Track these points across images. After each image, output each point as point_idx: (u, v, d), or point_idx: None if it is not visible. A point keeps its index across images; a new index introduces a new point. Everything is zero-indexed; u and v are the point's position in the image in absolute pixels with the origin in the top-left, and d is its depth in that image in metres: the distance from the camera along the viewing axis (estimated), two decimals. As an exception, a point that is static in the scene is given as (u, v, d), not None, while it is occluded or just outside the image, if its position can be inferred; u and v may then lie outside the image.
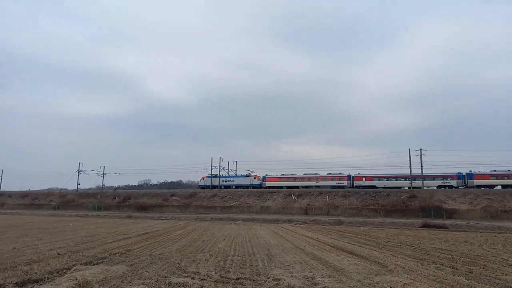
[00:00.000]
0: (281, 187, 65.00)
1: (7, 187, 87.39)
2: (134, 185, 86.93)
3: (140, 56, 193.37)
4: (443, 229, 32.73)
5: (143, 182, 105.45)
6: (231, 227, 32.71)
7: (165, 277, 9.46)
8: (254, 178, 68.03)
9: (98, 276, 9.28)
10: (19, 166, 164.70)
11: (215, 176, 69.81)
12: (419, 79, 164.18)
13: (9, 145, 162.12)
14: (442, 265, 12.22)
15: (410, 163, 57.92)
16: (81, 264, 11.17)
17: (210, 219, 44.17)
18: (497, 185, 55.07)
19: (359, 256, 14.15)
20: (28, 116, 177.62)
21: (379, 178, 61.33)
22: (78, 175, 77.91)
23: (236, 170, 74.41)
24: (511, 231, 30.81)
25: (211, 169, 69.07)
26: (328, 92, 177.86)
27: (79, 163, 78.14)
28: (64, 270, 10.17)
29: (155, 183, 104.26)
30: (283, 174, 67.24)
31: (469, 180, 56.29)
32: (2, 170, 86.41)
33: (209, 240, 20.48)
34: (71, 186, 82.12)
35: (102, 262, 11.87)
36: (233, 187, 68.89)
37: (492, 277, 10.17)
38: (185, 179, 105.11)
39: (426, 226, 34.69)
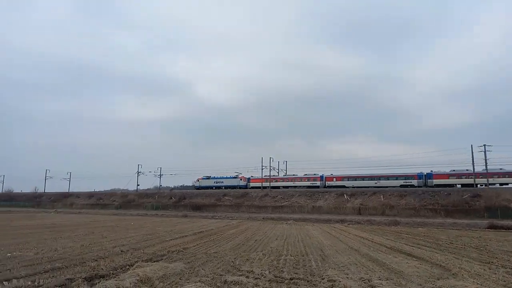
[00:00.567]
0: (265, 187, 69.00)
1: (75, 188, 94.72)
2: (188, 186, 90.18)
3: (193, 62, 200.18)
4: (513, 230, 30.13)
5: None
6: (282, 226, 32.72)
7: (220, 275, 9.69)
8: (241, 179, 73.30)
9: (158, 272, 9.74)
10: (85, 169, 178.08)
11: (209, 177, 76.21)
12: (477, 71, 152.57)
13: (76, 149, 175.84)
14: (514, 270, 11.26)
15: (473, 160, 54.15)
16: (142, 261, 11.78)
17: (262, 219, 44.51)
18: (455, 184, 56.27)
19: (419, 258, 13.46)
20: (93, 122, 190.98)
21: (348, 178, 64.02)
22: (138, 176, 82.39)
23: (286, 170, 74.59)
24: None
25: (262, 169, 69.74)
26: (378, 88, 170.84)
27: (138, 165, 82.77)
28: (127, 267, 10.79)
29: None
30: (266, 176, 71.02)
31: (428, 180, 57.84)
32: (70, 172, 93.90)
33: (261, 239, 20.64)
34: (132, 186, 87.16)
35: (161, 259, 12.42)
36: (223, 188, 73.61)
37: None
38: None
39: (492, 227, 32.13)
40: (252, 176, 73.13)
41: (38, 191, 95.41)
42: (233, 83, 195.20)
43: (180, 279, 9.33)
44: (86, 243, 17.03)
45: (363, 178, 62.71)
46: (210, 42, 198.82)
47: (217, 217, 47.36)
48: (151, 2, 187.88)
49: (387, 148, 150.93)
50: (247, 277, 9.55)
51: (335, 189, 61.27)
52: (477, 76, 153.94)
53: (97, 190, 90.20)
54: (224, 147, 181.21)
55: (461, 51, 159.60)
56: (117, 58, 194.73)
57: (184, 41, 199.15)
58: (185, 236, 21.66)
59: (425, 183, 58.05)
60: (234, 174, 74.50)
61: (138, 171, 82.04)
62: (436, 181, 56.99)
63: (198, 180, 78.69)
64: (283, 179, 70.54)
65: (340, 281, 9.01)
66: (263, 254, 14.32)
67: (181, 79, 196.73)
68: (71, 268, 10.52)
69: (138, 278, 8.78)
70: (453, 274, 10.27)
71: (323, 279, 9.56)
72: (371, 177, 61.96)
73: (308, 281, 9.38)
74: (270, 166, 69.38)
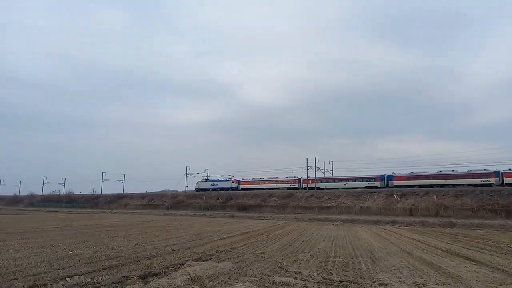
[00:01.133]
0: (253, 189, 74.41)
1: (129, 190, 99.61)
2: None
3: (239, 64, 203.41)
4: None
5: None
6: (329, 228, 32.14)
7: (268, 276, 9.71)
8: (232, 182, 78.88)
9: (208, 272, 9.95)
10: (138, 171, 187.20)
11: (206, 180, 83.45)
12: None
13: (129, 153, 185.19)
14: None
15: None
16: (192, 260, 12.11)
17: (308, 220, 44.05)
18: (414, 186, 58.28)
19: (478, 262, 12.60)
20: (144, 126, 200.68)
21: (321, 180, 68.42)
22: (186, 177, 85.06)
23: (332, 171, 73.25)
24: None
25: (307, 169, 69.03)
26: (430, 83, 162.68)
27: (187, 167, 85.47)
28: (178, 265, 11.15)
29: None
30: (254, 178, 78.49)
31: (389, 181, 61.33)
32: (124, 174, 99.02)
33: (308, 240, 20.42)
34: (181, 188, 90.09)
35: (210, 258, 12.69)
36: (218, 189, 78.53)
37: None
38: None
39: None
40: (243, 179, 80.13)
41: (96, 193, 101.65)
42: (280, 84, 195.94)
43: (229, 278, 9.47)
44: (140, 242, 17.83)
45: (334, 180, 68.01)
46: (256, 44, 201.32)
47: (263, 218, 47.59)
48: (196, 9, 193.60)
49: (441, 145, 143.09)
50: (295, 278, 9.48)
51: (383, 189, 59.28)
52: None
53: (148, 191, 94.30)
54: (270, 147, 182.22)
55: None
56: (166, 65, 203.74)
57: (230, 45, 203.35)
58: (233, 236, 21.98)
59: (386, 184, 61.57)
60: (227, 177, 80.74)
61: (186, 172, 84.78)
62: (396, 182, 60.61)
63: (198, 183, 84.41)
64: (266, 181, 75.78)
65: (392, 285, 8.66)
66: (310, 255, 14.15)
67: (228, 82, 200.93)
68: (127, 266, 11.05)
69: (188, 277, 9.03)
70: (518, 280, 9.51)
71: (374, 282, 9.24)
72: (340, 179, 67.46)
73: (358, 284, 9.12)
74: (315, 167, 68.43)
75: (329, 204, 57.49)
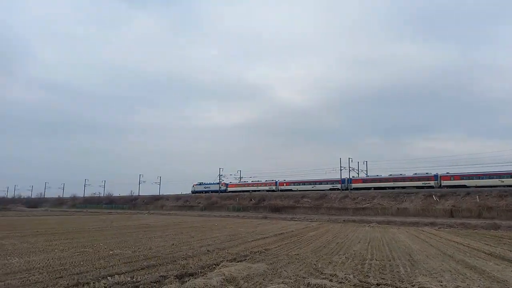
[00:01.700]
0: (238, 191, 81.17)
1: (165, 191, 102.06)
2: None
3: (269, 66, 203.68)
4: None
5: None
6: (365, 229, 31.43)
7: (303, 278, 9.63)
8: (222, 185, 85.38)
9: (242, 272, 10.03)
10: (173, 173, 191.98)
11: (201, 184, 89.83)
12: None
13: (164, 155, 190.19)
14: None
15: None
16: (227, 260, 12.25)
17: (343, 221, 43.27)
18: (370, 188, 63.19)
19: (527, 267, 11.89)
20: (179, 129, 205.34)
21: (298, 183, 74.07)
22: (219, 179, 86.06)
23: (367, 170, 71.55)
24: None
25: (340, 170, 67.80)
26: (466, 80, 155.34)
27: (220, 168, 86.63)
28: (214, 266, 11.32)
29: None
30: (239, 181, 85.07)
31: (349, 184, 66.69)
32: (160, 176, 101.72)
33: (343, 242, 20.08)
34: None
35: (245, 259, 12.78)
36: (210, 192, 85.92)
37: None
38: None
39: None
40: (230, 182, 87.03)
41: (134, 194, 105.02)
42: (311, 84, 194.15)
43: (263, 279, 9.49)
44: (176, 242, 18.25)
45: (303, 183, 72.92)
46: (286, 45, 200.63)
47: (296, 219, 47.26)
48: (225, 14, 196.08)
49: (479, 143, 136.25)
50: (331, 280, 9.35)
51: (421, 190, 57.11)
52: None
53: (183, 192, 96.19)
54: (303, 148, 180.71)
55: None
56: (198, 69, 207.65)
57: (261, 47, 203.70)
58: (266, 237, 22.01)
59: (346, 187, 66.66)
60: (217, 181, 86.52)
61: (219, 174, 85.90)
62: (354, 185, 66.08)
63: (193, 186, 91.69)
64: (249, 184, 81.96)
65: (433, 289, 8.36)
66: (346, 257, 13.90)
67: (258, 84, 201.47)
68: (164, 266, 11.36)
69: (224, 277, 9.15)
70: None
71: (413, 286, 8.95)
72: (310, 182, 72.95)
73: (396, 287, 8.87)
74: (349, 167, 66.96)
75: (364, 205, 56.23)
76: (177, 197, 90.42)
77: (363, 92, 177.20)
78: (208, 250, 15.06)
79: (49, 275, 9.66)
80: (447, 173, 59.59)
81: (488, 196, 47.71)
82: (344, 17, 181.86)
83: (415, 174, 62.16)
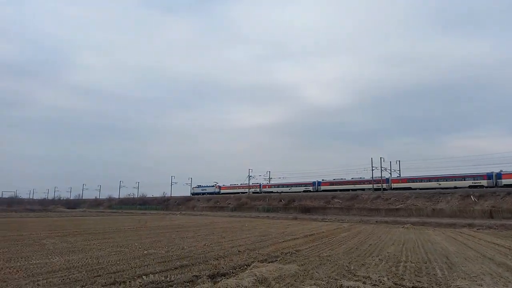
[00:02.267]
0: (229, 193, 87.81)
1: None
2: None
3: (298, 66, 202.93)
4: None
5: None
6: (399, 230, 30.56)
7: (335, 280, 9.51)
8: (216, 187, 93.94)
9: (274, 273, 10.01)
10: (204, 174, 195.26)
11: (199, 186, 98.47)
12: None
13: (197, 156, 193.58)
14: None
15: None
16: (258, 261, 12.28)
17: (375, 222, 42.29)
18: (336, 190, 68.89)
19: None
20: (211, 131, 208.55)
21: (273, 185, 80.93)
22: (249, 180, 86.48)
23: (400, 170, 69.46)
24: None
25: (372, 170, 66.24)
26: (506, 74, 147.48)
27: (249, 169, 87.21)
28: (245, 266, 11.39)
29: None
30: (231, 184, 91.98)
31: (318, 186, 72.23)
32: (191, 178, 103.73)
33: (376, 244, 19.63)
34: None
35: (276, 260, 12.77)
36: (206, 193, 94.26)
37: None
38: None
39: None
40: (224, 185, 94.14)
41: (166, 195, 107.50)
42: (341, 84, 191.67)
43: (295, 281, 9.45)
44: (208, 242, 18.52)
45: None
46: (316, 45, 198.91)
47: (327, 220, 46.68)
48: (256, 15, 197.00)
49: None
50: (364, 283, 9.17)
51: (458, 190, 54.72)
52: None
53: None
54: (333, 148, 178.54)
55: None
56: (230, 71, 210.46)
57: (289, 48, 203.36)
58: (297, 238, 21.89)
59: (316, 189, 72.38)
60: (213, 184, 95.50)
61: (249, 175, 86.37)
62: (323, 187, 71.97)
63: (193, 188, 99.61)
64: (239, 187, 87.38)
65: (472, 293, 8.01)
66: (379, 259, 13.59)
67: (289, 85, 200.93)
68: (196, 266, 11.55)
69: (255, 278, 9.18)
70: None
71: (451, 289, 8.63)
72: (287, 185, 77.36)
73: (433, 291, 8.59)
74: (381, 167, 65.38)
75: (397, 206, 54.68)
76: (208, 198, 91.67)
77: (396, 90, 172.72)
78: (239, 251, 15.17)
79: (87, 274, 10.07)
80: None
81: (532, 196, 45.10)
82: (373, 15, 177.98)
83: (364, 177, 67.96)
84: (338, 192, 68.66)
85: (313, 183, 74.86)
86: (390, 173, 67.25)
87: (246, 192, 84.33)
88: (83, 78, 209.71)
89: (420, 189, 58.89)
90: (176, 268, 11.08)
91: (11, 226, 29.88)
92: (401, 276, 10.22)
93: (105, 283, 8.98)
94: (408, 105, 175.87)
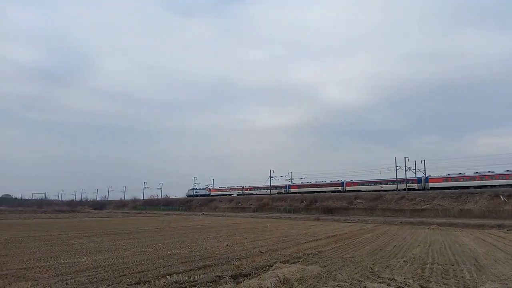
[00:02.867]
0: (218, 195, 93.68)
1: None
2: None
3: (317, 66, 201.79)
4: None
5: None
6: (424, 232, 29.82)
7: (359, 281, 9.40)
8: (207, 190, 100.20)
9: (296, 274, 9.99)
10: (225, 175, 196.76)
11: (194, 189, 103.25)
12: None
13: (217, 158, 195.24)
14: None
15: None
16: (280, 262, 12.27)
17: (399, 223, 41.40)
18: (305, 192, 74.95)
19: None
20: (231, 132, 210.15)
21: (256, 188, 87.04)
22: (270, 181, 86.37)
23: (425, 170, 67.74)
24: None
25: (396, 169, 64.80)
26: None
27: (270, 170, 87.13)
28: (267, 267, 11.40)
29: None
30: (221, 187, 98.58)
31: (289, 190, 79.04)
32: (213, 179, 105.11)
33: (401, 245, 19.24)
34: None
35: (298, 261, 12.72)
36: (199, 196, 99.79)
37: None
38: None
39: None
40: (213, 187, 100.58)
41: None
42: (363, 83, 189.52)
43: (317, 282, 9.39)
44: (230, 243, 18.64)
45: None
46: (335, 44, 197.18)
47: (349, 221, 46.06)
48: (273, 17, 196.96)
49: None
50: (389, 285, 9.02)
51: (486, 190, 52.83)
52: None
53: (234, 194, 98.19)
54: (355, 148, 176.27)
55: None
56: (250, 72, 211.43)
57: (308, 47, 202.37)
58: (319, 239, 21.72)
59: (287, 192, 78.74)
60: (204, 186, 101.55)
61: (270, 176, 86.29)
62: (292, 190, 78.18)
63: (188, 191, 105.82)
64: (232, 189, 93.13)
65: (503, 297, 7.74)
66: (404, 261, 13.31)
67: (308, 85, 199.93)
68: (219, 266, 11.66)
69: (277, 279, 9.18)
70: None
71: (480, 293, 8.37)
72: (258, 188, 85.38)
73: (461, 294, 8.35)
74: (405, 167, 63.87)
75: (422, 207, 53.36)
76: (230, 199, 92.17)
77: (418, 89, 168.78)
78: (261, 251, 15.20)
79: (113, 273, 10.34)
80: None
81: None
82: (393, 13, 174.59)
83: (330, 181, 74.42)
84: (361, 192, 67.57)
85: (342, 183, 73.42)
86: (415, 173, 65.56)
87: (231, 195, 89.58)
88: (108, 82, 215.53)
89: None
90: (199, 268, 11.21)
91: (41, 227, 30.97)
92: (427, 279, 9.99)
93: (131, 282, 9.20)
94: (432, 103, 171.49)
